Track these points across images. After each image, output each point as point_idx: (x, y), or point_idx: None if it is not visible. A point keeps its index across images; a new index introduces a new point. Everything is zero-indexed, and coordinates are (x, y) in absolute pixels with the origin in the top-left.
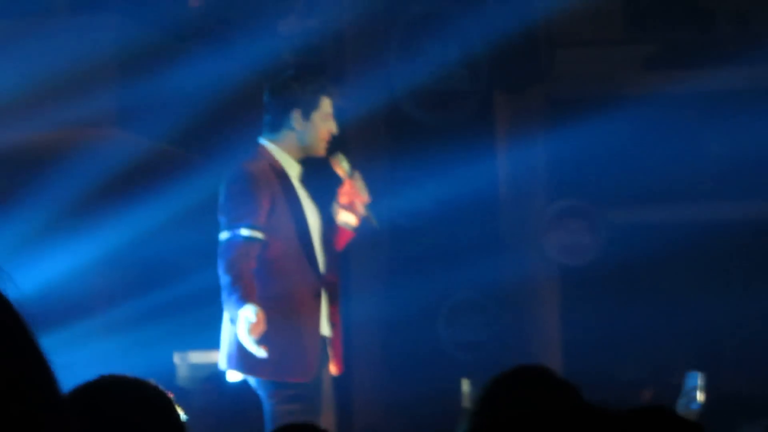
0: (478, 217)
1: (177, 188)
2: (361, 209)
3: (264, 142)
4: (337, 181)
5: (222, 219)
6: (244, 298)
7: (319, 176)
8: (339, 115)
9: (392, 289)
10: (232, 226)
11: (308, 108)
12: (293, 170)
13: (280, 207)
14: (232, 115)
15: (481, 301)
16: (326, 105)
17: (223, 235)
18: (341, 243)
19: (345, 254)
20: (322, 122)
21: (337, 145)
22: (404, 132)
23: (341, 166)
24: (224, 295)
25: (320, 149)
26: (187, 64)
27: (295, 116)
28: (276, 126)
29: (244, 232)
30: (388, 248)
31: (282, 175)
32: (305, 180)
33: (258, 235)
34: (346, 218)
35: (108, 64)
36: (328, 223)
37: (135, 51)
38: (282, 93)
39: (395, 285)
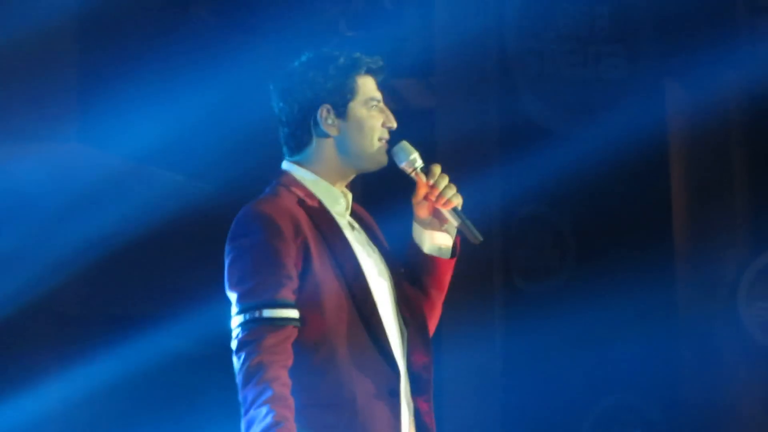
0: (637, 270)
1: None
2: (452, 220)
3: (288, 167)
4: (404, 194)
5: (231, 295)
6: None
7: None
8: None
9: (510, 380)
10: (248, 305)
11: (340, 98)
12: (338, 203)
13: (321, 263)
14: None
15: (642, 410)
16: (367, 86)
17: (236, 321)
18: (438, 284)
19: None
20: (369, 113)
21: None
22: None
23: (408, 161)
24: (244, 424)
25: (378, 155)
26: (185, 42)
27: (324, 116)
28: (300, 140)
29: (268, 312)
30: (501, 305)
31: (320, 214)
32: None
33: (290, 314)
34: (435, 240)
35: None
36: (411, 269)
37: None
38: (294, 89)
39: (513, 372)
